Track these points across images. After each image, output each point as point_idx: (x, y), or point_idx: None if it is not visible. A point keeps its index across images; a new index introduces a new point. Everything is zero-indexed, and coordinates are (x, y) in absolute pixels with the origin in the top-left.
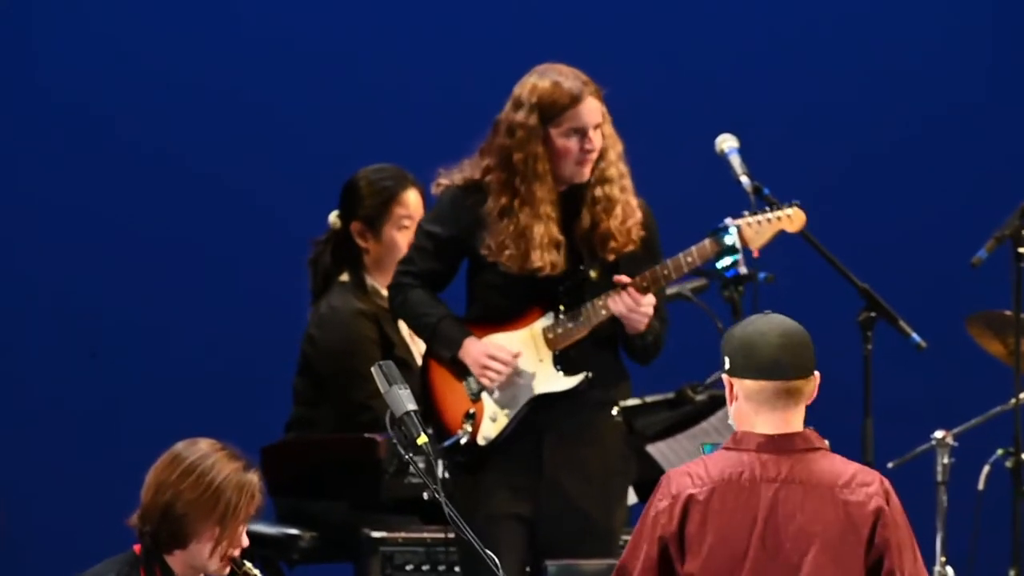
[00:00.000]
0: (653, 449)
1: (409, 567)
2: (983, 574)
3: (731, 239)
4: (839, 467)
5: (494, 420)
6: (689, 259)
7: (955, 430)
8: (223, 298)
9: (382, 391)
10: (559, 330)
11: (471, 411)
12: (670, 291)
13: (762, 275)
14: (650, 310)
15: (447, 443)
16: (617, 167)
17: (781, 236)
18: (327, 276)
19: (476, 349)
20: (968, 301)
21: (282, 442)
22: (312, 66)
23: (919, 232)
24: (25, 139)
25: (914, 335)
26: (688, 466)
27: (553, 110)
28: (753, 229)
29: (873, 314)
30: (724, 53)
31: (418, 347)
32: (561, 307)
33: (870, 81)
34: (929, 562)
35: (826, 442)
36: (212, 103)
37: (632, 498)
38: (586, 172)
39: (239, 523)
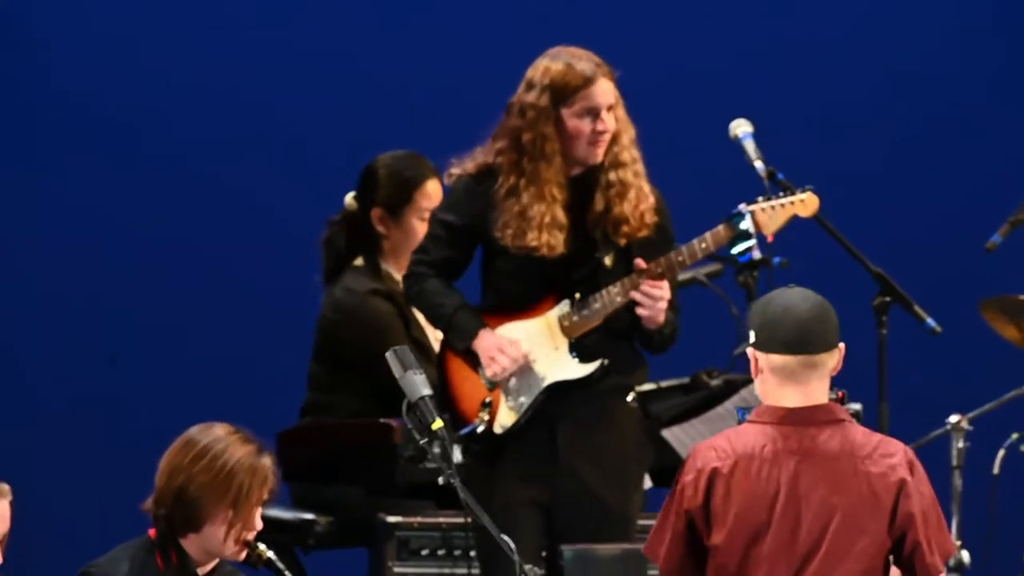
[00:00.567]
0: (668, 434)
1: (424, 552)
2: (999, 558)
3: (745, 224)
4: (862, 438)
5: (511, 408)
6: (704, 245)
7: (970, 414)
8: (235, 297)
9: (397, 376)
10: (574, 318)
11: (488, 400)
12: (685, 276)
13: (776, 260)
14: (667, 296)
15: (464, 431)
16: (630, 151)
17: (796, 221)
18: (340, 258)
19: (488, 341)
20: (982, 286)
21: (297, 427)
22: (318, 65)
23: (934, 217)
24: (39, 143)
25: (929, 320)
26: (713, 440)
27: (566, 91)
28: (767, 214)
29: (888, 299)
30: (738, 40)
31: (434, 331)
32: (576, 295)
33: (885, 68)
34: None
35: (849, 414)
36: (227, 106)
37: (647, 484)
38: (599, 153)
39: (252, 506)
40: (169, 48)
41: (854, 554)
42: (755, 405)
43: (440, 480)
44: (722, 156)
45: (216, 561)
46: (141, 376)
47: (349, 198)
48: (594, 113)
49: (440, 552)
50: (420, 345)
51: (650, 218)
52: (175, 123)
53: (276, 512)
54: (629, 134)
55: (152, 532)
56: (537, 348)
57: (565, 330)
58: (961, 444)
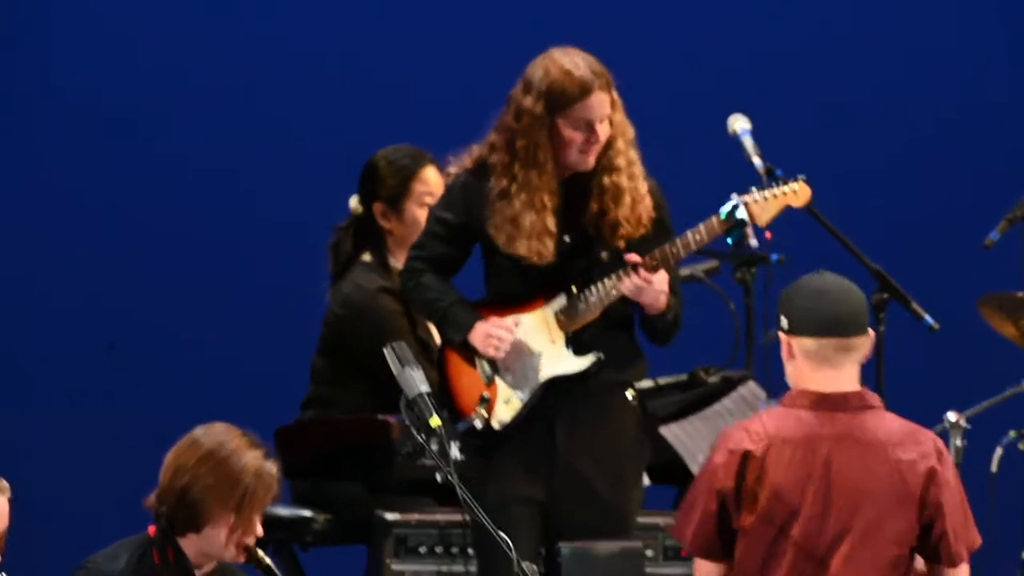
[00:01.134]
0: (666, 431)
1: (423, 549)
2: (996, 555)
3: (739, 214)
4: (893, 426)
5: (508, 403)
6: (697, 236)
7: (967, 412)
8: (235, 292)
9: (395, 373)
10: (571, 312)
11: (485, 395)
12: (683, 273)
13: (775, 257)
14: (665, 286)
15: (462, 427)
16: (626, 155)
17: (794, 218)
18: (348, 261)
19: (482, 328)
20: (980, 283)
21: (296, 424)
22: (320, 61)
23: (932, 214)
24: (39, 137)
25: (927, 317)
26: (745, 422)
27: (561, 100)
28: (759, 205)
29: (886, 296)
30: (737, 36)
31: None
32: (573, 288)
33: (884, 65)
34: None
35: (880, 401)
36: (223, 101)
37: (646, 481)
38: (590, 161)
39: (255, 511)
40: (170, 44)
41: (883, 540)
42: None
43: (438, 477)
44: (721, 151)
45: (214, 563)
46: (139, 371)
47: (354, 202)
48: (588, 124)
49: (438, 549)
50: (425, 345)
51: (647, 218)
52: (173, 117)
53: (274, 509)
54: (626, 137)
55: (152, 529)
56: (534, 342)
57: (562, 324)
58: (959, 442)
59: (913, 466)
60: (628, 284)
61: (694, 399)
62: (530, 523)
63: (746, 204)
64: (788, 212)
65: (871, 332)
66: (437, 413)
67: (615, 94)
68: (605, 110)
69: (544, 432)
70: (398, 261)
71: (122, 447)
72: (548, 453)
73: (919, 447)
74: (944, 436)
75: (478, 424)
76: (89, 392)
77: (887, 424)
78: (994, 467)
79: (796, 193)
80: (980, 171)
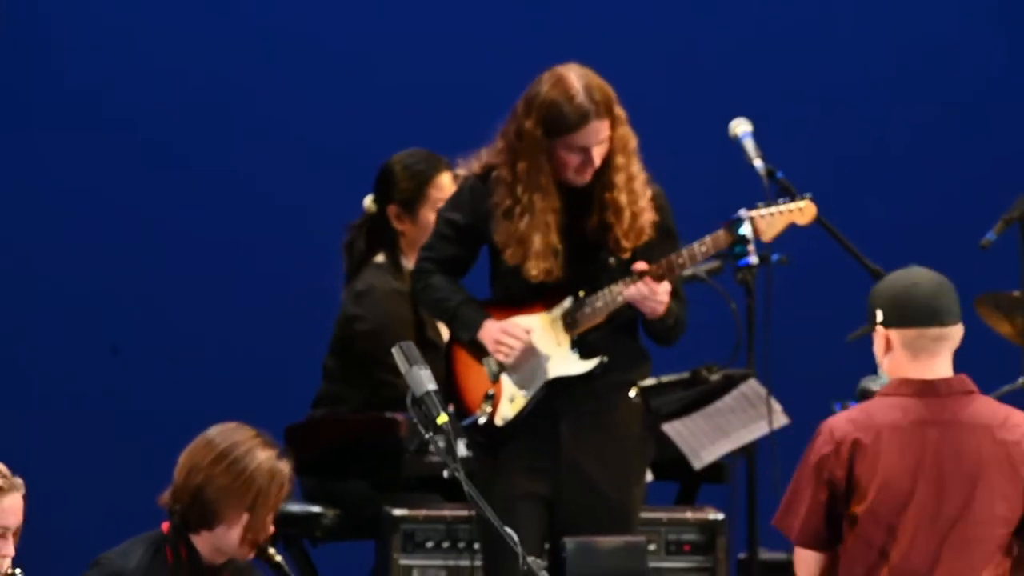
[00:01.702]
0: (668, 428)
1: (430, 544)
2: None
3: (744, 230)
4: (994, 408)
5: (512, 401)
6: (703, 248)
7: None
8: (242, 292)
9: (402, 371)
10: (577, 315)
11: (490, 392)
12: (685, 273)
13: (776, 257)
14: (666, 297)
15: (466, 423)
16: (626, 171)
17: None
18: (361, 260)
19: (492, 328)
20: (977, 282)
21: (306, 422)
22: (330, 61)
23: (930, 215)
24: (45, 136)
25: None
26: (848, 413)
27: (558, 126)
28: (765, 221)
29: None
30: (737, 38)
31: (445, 330)
32: (580, 292)
33: (881, 68)
34: None
35: (976, 385)
36: (230, 100)
37: (649, 477)
38: (585, 179)
39: (268, 510)
40: (173, 43)
41: (995, 520)
42: (758, 400)
43: (445, 473)
44: (722, 154)
45: (226, 558)
46: (144, 373)
47: (368, 201)
48: (584, 150)
49: (445, 544)
50: (434, 347)
51: (649, 231)
52: (178, 117)
53: (285, 506)
54: (627, 151)
55: (165, 526)
56: (540, 343)
57: (567, 327)
58: None
59: (1018, 446)
60: (633, 291)
61: (696, 397)
62: (535, 518)
63: (752, 220)
64: None
65: (960, 323)
66: (444, 411)
67: (617, 109)
68: (602, 136)
69: (549, 429)
70: (410, 262)
71: (128, 448)
72: (553, 450)
73: (1020, 428)
74: None
75: (482, 420)
76: (93, 394)
77: (989, 407)
78: None
79: (802, 211)
80: (977, 172)
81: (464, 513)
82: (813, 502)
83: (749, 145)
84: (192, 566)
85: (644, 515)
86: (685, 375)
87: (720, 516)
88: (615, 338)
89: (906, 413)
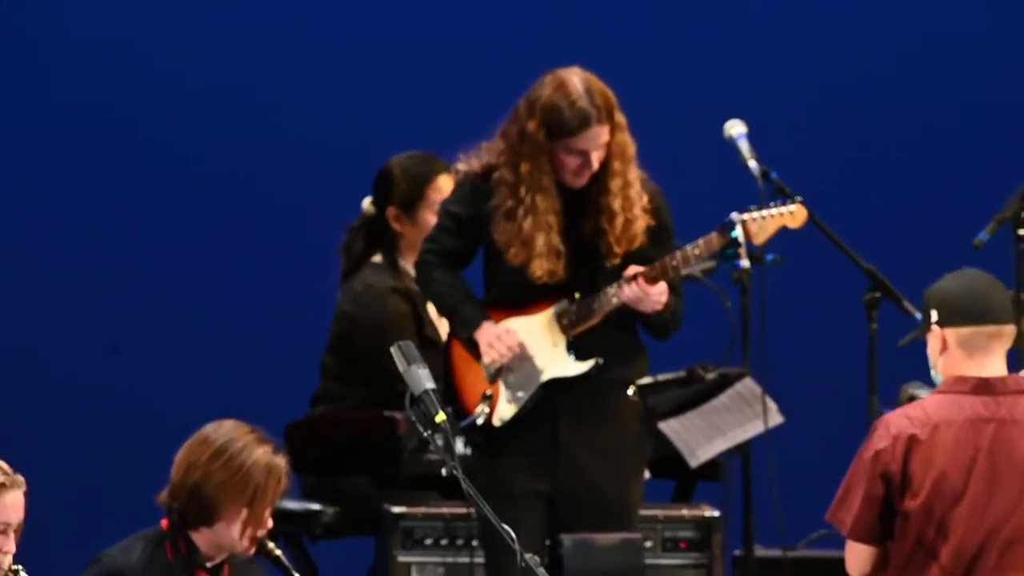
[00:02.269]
0: (664, 426)
1: (428, 541)
2: None
3: (736, 233)
4: None
5: (510, 401)
6: (696, 251)
7: None
8: (240, 290)
9: (401, 370)
10: (573, 316)
11: (488, 392)
12: (681, 272)
13: (770, 257)
14: (663, 297)
15: (464, 423)
16: (623, 176)
17: None
18: (359, 261)
19: (488, 330)
20: None
21: (305, 420)
22: (330, 63)
23: (923, 214)
24: (44, 136)
25: (918, 315)
26: (904, 409)
27: (559, 130)
28: (757, 224)
29: (878, 295)
30: (733, 39)
31: (444, 327)
32: (576, 294)
33: (877, 67)
34: None
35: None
36: (228, 100)
37: (646, 475)
38: (582, 182)
39: (266, 506)
40: (173, 43)
41: None
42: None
43: (443, 471)
44: (719, 156)
45: (226, 554)
46: (144, 367)
47: (367, 203)
48: (583, 154)
49: (443, 542)
50: (433, 344)
51: (641, 236)
52: (177, 117)
53: (284, 503)
54: (625, 157)
55: (164, 523)
56: (536, 344)
57: (564, 328)
58: None
59: None
60: (628, 293)
61: (692, 395)
62: (535, 516)
63: (744, 223)
64: None
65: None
66: (442, 409)
67: (618, 116)
68: (601, 141)
69: (548, 428)
70: (408, 263)
71: (127, 446)
72: (552, 448)
73: None
74: None
75: (480, 421)
76: (93, 393)
77: None
78: None
79: (793, 214)
80: (970, 171)
81: (463, 510)
82: (868, 496)
83: (744, 146)
84: (191, 562)
85: (641, 512)
86: (681, 374)
87: (716, 513)
88: (612, 336)
89: (962, 410)
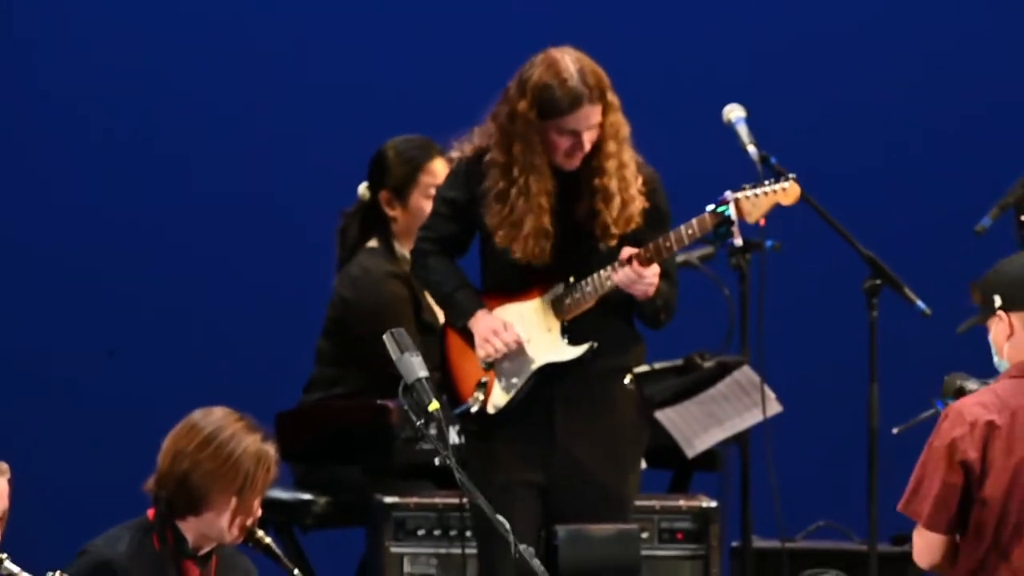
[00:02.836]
0: (661, 415)
1: (421, 532)
2: None
3: (728, 211)
4: None
5: (504, 389)
6: (690, 231)
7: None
8: (233, 280)
9: (394, 359)
10: (567, 301)
11: (483, 380)
12: (678, 259)
13: (769, 243)
14: (655, 279)
15: (458, 411)
16: (617, 157)
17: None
18: (355, 246)
19: (484, 323)
20: (972, 268)
21: (296, 409)
22: (325, 52)
23: (924, 201)
24: (41, 139)
25: (919, 302)
26: (975, 396)
27: (551, 109)
28: (750, 202)
29: (879, 281)
30: (733, 26)
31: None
32: (570, 278)
33: (879, 55)
34: None
35: None
36: (220, 94)
37: (643, 465)
38: (575, 163)
39: (255, 495)
40: (168, 41)
41: None
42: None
43: (436, 461)
44: (718, 140)
45: (214, 543)
46: (140, 368)
47: (362, 188)
48: (575, 134)
49: (436, 532)
50: (431, 329)
51: (638, 217)
52: (171, 115)
53: (275, 492)
54: (619, 138)
55: (151, 513)
56: (531, 330)
57: (558, 313)
58: None
59: None
60: (621, 275)
61: (690, 384)
62: (529, 506)
63: (737, 201)
64: None
65: None
66: (436, 398)
67: (611, 96)
68: (594, 121)
69: (543, 416)
70: (403, 248)
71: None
72: (547, 437)
73: None
74: (936, 420)
75: (474, 409)
76: (89, 394)
77: None
78: None
79: (786, 191)
80: (972, 157)
81: (455, 501)
82: (945, 485)
83: (742, 130)
84: (179, 551)
85: (637, 503)
86: (678, 362)
87: (713, 504)
88: (607, 322)
89: None
